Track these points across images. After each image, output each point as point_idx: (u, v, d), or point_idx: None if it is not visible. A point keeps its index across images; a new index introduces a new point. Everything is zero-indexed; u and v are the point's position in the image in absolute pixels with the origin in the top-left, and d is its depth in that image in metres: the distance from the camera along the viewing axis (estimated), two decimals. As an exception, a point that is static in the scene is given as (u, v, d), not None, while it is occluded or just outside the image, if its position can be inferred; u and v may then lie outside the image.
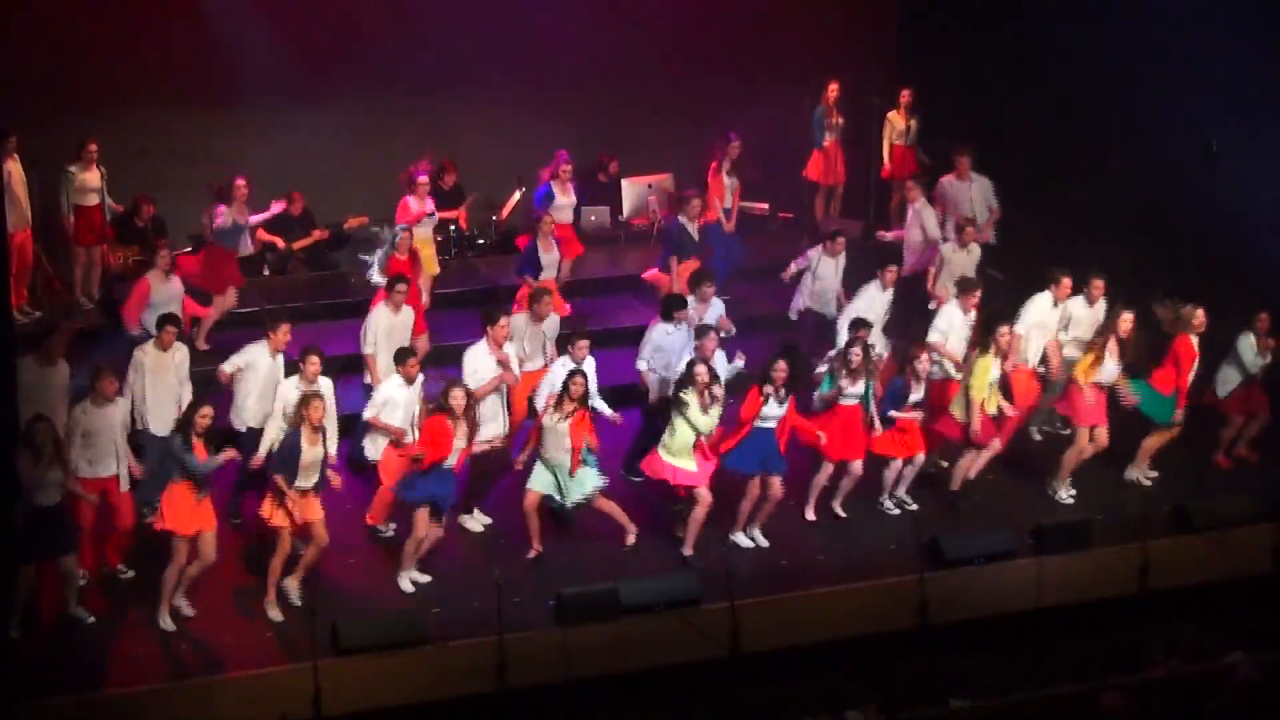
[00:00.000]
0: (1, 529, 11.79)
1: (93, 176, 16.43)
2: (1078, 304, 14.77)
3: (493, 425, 13.44)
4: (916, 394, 13.78)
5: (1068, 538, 13.34)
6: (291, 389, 12.86)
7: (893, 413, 13.74)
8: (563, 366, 13.41)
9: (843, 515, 14.05)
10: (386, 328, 14.14)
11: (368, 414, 13.20)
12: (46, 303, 16.70)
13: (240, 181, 15.95)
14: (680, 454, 13.13)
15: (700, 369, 13.11)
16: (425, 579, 12.89)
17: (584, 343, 13.56)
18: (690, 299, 14.55)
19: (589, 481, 13.01)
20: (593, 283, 17.65)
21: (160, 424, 13.03)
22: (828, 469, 13.90)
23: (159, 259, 14.72)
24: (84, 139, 16.41)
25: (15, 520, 11.74)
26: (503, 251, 18.64)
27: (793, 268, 16.06)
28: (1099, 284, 14.72)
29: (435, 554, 12.96)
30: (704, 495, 13.18)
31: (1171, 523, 13.71)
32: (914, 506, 14.12)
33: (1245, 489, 14.30)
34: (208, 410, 12.17)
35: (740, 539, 13.57)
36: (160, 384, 13.18)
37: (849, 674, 12.20)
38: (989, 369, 13.85)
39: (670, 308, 14.30)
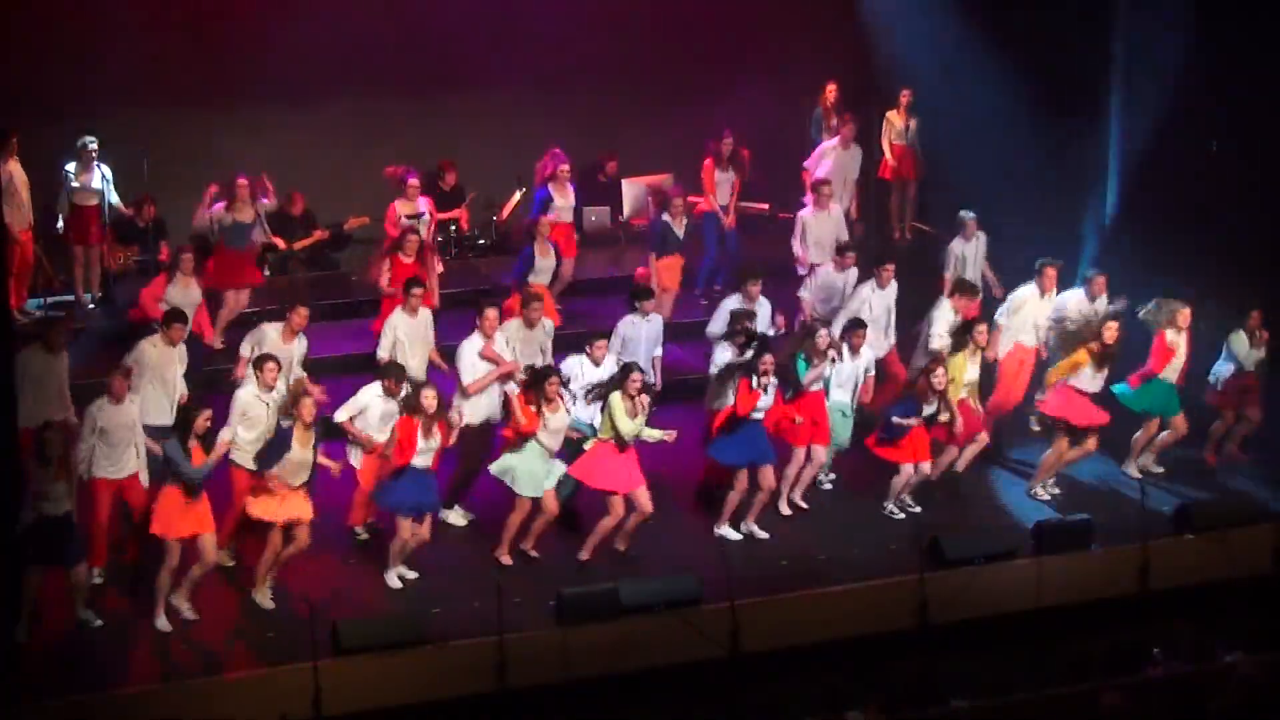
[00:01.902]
0: (5, 531, 11.80)
1: (91, 177, 16.41)
2: (1075, 296, 14.75)
3: (486, 403, 13.55)
4: (930, 408, 13.65)
5: (1068, 538, 13.34)
6: (250, 396, 12.67)
7: (896, 419, 13.69)
8: (579, 364, 13.45)
9: (804, 506, 14.00)
10: (405, 331, 14.00)
11: (339, 416, 13.00)
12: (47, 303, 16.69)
13: (242, 181, 15.90)
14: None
15: (635, 375, 12.87)
16: (412, 575, 12.86)
17: (603, 342, 13.58)
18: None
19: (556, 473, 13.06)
20: (593, 283, 17.65)
21: (158, 418, 12.98)
22: (798, 458, 13.85)
23: (182, 262, 14.75)
24: (83, 139, 16.40)
25: (22, 526, 11.68)
26: (503, 251, 18.66)
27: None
28: (1100, 280, 14.72)
29: (426, 552, 12.89)
30: (616, 505, 12.99)
31: (1171, 523, 13.70)
32: (917, 509, 14.08)
33: (1245, 489, 14.30)
34: (208, 413, 12.13)
35: (728, 532, 13.56)
36: (160, 379, 13.17)
37: (849, 674, 12.18)
38: (964, 368, 13.88)
39: (634, 298, 14.36)
